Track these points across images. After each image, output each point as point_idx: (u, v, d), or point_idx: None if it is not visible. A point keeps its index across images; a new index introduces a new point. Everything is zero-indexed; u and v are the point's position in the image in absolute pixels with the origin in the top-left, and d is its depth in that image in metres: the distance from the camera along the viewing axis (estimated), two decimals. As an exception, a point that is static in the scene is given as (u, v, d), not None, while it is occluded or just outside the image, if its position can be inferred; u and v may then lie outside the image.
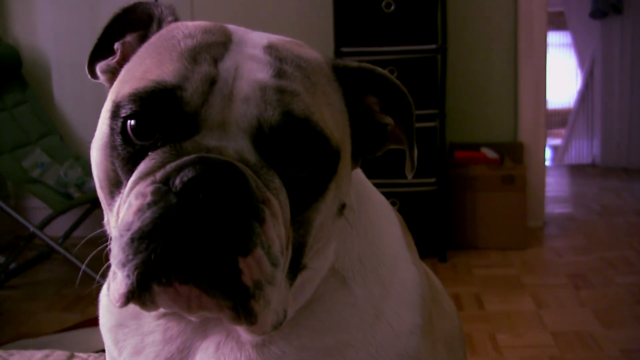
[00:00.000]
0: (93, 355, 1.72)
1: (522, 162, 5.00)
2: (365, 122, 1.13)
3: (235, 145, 0.93)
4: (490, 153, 4.81)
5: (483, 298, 3.88)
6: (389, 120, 1.14)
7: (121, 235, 0.87)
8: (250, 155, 0.93)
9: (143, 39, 1.12)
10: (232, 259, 0.86)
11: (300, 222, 0.98)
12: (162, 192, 0.87)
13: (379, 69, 1.10)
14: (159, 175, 0.89)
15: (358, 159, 1.15)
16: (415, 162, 1.14)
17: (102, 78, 1.15)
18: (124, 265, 0.86)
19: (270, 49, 1.01)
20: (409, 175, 1.15)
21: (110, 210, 0.99)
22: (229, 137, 0.93)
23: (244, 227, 0.87)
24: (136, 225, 0.86)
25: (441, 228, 4.45)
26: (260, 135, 0.93)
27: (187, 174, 0.86)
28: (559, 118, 9.12)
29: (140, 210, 0.87)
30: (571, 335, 3.39)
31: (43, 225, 4.11)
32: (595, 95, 8.10)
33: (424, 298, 1.20)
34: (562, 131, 8.93)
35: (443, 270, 4.30)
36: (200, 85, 0.93)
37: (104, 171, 0.99)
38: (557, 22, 8.41)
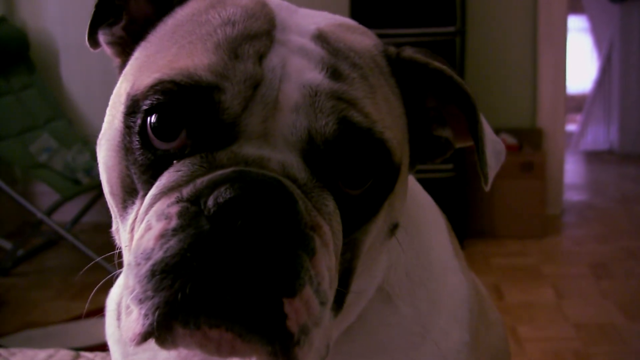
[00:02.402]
0: (100, 355, 1.63)
1: (541, 149, 4.89)
2: (425, 125, 0.98)
3: (281, 157, 0.78)
4: (509, 139, 4.70)
5: (502, 288, 3.77)
6: (447, 133, 0.98)
7: (138, 264, 0.73)
8: (300, 172, 0.78)
9: (154, 1, 0.94)
10: (276, 301, 0.71)
11: (347, 245, 0.83)
12: (191, 214, 0.72)
13: (435, 63, 0.93)
14: (186, 191, 0.74)
15: (415, 165, 0.99)
16: (488, 178, 0.95)
17: (108, 51, 0.98)
18: (141, 301, 0.71)
19: (320, 38, 0.85)
20: (486, 189, 0.97)
21: (122, 221, 0.84)
22: (272, 148, 0.78)
23: (291, 262, 0.72)
24: (158, 255, 0.71)
25: (458, 216, 4.33)
26: (312, 149, 0.78)
27: (223, 194, 0.71)
28: (574, 103, 8.97)
29: (163, 236, 0.72)
30: (594, 327, 3.28)
31: (50, 211, 4.03)
32: (612, 80, 7.96)
33: (473, 312, 1.08)
34: (577, 117, 8.80)
35: (460, 259, 4.19)
36: (243, 89, 0.78)
37: (118, 177, 0.84)
38: (574, 6, 8.25)
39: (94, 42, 1.00)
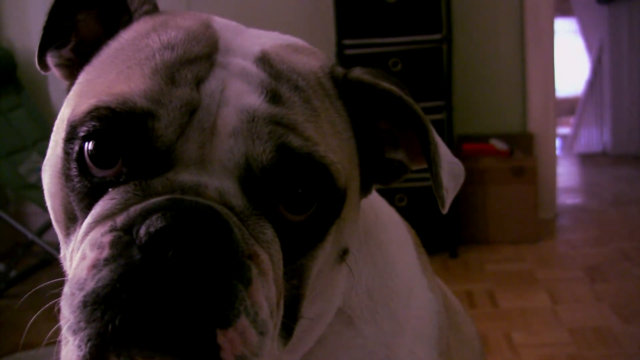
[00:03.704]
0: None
1: (532, 153, 4.87)
2: (377, 148, 0.96)
3: (218, 184, 0.76)
4: (499, 144, 4.69)
5: (496, 295, 3.75)
6: (400, 155, 0.97)
7: (72, 294, 0.72)
8: (237, 200, 0.77)
9: (103, 22, 0.93)
10: (209, 332, 0.70)
11: (293, 271, 0.81)
12: (123, 243, 0.71)
13: (384, 83, 0.90)
14: (119, 220, 0.73)
15: (369, 188, 0.98)
16: (445, 200, 0.92)
17: (57, 73, 0.97)
18: (74, 332, 0.71)
19: (263, 60, 0.84)
20: (443, 211, 0.93)
21: (67, 248, 0.84)
22: (210, 174, 0.76)
23: (225, 292, 0.71)
24: (90, 286, 0.71)
25: (451, 223, 4.31)
26: (249, 176, 0.77)
27: (155, 223, 0.70)
28: (567, 106, 8.98)
29: (95, 266, 0.71)
30: (589, 331, 3.27)
31: (41, 231, 4.01)
32: (604, 82, 7.96)
33: (442, 329, 1.06)
34: (571, 120, 8.80)
35: (454, 267, 4.18)
36: (179, 116, 0.76)
37: (60, 204, 0.84)
38: (563, 9, 8.25)
39: (43, 64, 0.98)
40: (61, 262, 0.91)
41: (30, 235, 3.94)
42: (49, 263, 4.47)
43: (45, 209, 3.31)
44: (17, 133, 4.36)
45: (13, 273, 4.23)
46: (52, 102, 5.02)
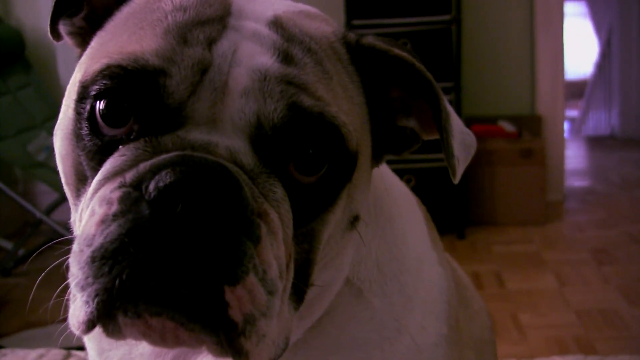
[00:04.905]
0: (92, 353, 1.62)
1: (541, 135, 4.86)
2: (389, 116, 0.95)
3: (229, 143, 0.76)
4: (507, 126, 4.68)
5: (503, 276, 3.76)
6: (412, 123, 0.96)
7: (81, 251, 0.71)
8: (247, 158, 0.76)
9: None
10: (217, 289, 0.69)
11: (304, 235, 0.81)
12: (132, 199, 0.71)
13: (396, 50, 0.90)
14: (129, 176, 0.73)
15: (381, 158, 0.97)
16: (456, 170, 0.92)
17: (69, 42, 0.96)
18: (82, 288, 0.70)
19: (275, 24, 0.84)
20: (454, 181, 0.93)
21: (76, 210, 0.83)
22: (220, 133, 0.76)
23: (233, 249, 0.70)
24: (98, 241, 0.70)
25: (459, 204, 4.32)
26: (260, 135, 0.77)
27: (164, 178, 0.70)
28: (576, 89, 8.95)
29: (104, 222, 0.71)
30: (596, 313, 3.28)
31: (50, 210, 4.01)
32: (612, 65, 7.93)
33: (451, 304, 1.06)
34: (579, 102, 8.78)
35: (461, 248, 4.18)
36: (190, 74, 0.77)
37: (71, 165, 0.83)
38: (573, -9, 8.22)
39: (56, 33, 0.98)
40: (71, 227, 0.90)
41: (38, 214, 3.95)
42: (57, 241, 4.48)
43: (53, 187, 3.32)
44: (25, 112, 4.36)
45: (21, 252, 4.25)
46: (61, 81, 5.02)
